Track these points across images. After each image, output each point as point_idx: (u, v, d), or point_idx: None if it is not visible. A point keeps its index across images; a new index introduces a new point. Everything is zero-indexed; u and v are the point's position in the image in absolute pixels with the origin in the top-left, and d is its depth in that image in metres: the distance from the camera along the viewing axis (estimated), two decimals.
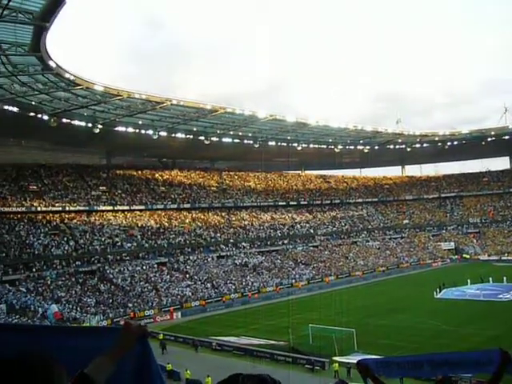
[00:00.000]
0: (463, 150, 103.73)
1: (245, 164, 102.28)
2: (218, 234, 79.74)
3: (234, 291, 65.82)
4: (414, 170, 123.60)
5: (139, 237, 71.00)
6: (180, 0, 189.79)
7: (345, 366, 31.47)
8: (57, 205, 67.85)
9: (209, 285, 65.69)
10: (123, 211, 75.08)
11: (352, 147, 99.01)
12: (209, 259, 73.51)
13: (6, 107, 53.45)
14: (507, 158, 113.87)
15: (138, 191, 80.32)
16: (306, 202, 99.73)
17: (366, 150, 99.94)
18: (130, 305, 56.26)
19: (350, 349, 35.68)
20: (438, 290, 59.85)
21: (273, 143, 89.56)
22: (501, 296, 55.25)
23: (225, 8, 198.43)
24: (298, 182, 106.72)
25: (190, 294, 62.34)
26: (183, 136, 78.16)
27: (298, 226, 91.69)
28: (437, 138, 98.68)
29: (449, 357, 3.51)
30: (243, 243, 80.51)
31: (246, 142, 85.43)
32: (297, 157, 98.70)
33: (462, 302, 54.77)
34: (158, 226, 75.49)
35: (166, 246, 71.84)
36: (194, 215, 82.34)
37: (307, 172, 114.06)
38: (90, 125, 65.33)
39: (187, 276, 67.08)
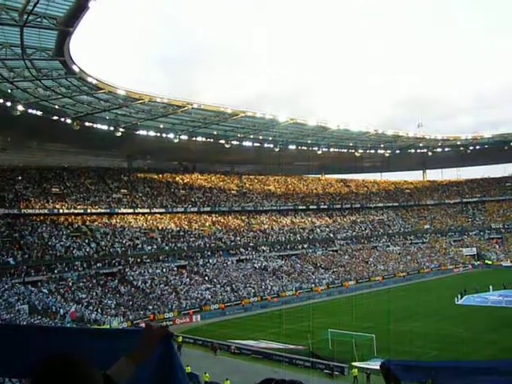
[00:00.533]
0: (486, 155, 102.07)
1: (265, 168, 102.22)
2: (238, 238, 79.87)
3: (254, 295, 65.83)
4: (435, 175, 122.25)
5: (159, 239, 71.48)
6: (202, 5, 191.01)
7: (364, 372, 31.25)
8: (79, 207, 68.77)
9: (228, 288, 65.77)
10: (144, 214, 75.67)
11: (373, 151, 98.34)
12: (228, 263, 73.66)
13: (30, 111, 54.15)
14: None
15: (159, 194, 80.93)
16: (325, 206, 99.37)
17: (386, 154, 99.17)
18: (150, 307, 56.62)
19: (369, 354, 35.43)
20: (459, 296, 59.03)
21: (293, 147, 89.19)
22: None
23: (248, 13, 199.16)
24: (318, 186, 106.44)
25: (210, 297, 62.49)
26: (204, 140, 78.26)
27: (318, 230, 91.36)
28: (459, 143, 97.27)
29: (478, 365, 3.39)
30: (263, 247, 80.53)
31: (266, 145, 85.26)
32: (317, 161, 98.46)
33: (483, 308, 53.92)
34: (178, 229, 75.92)
35: (185, 249, 72.21)
36: (213, 218, 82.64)
37: (327, 176, 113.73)
38: (111, 128, 65.87)
39: (207, 279, 67.27)
